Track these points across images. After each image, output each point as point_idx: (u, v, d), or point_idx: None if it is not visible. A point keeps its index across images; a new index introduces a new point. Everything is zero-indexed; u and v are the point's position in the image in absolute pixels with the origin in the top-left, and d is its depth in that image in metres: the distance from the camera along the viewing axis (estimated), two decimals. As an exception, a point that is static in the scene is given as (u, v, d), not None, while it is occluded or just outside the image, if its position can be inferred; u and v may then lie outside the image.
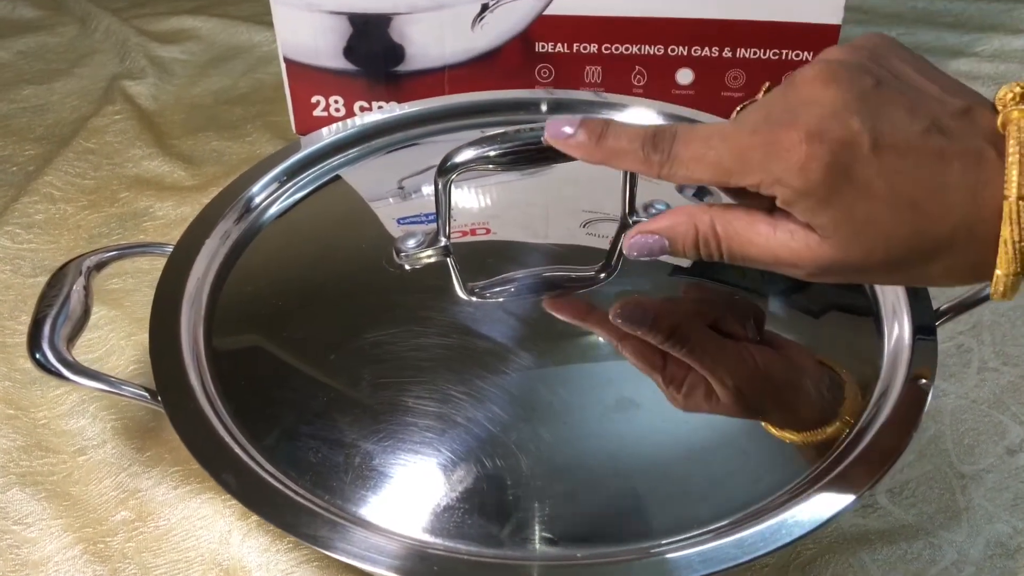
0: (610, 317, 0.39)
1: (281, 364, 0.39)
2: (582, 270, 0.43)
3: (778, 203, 0.32)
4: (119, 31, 0.83)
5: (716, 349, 0.37)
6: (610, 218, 0.47)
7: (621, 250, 0.44)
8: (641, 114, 0.55)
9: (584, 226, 0.48)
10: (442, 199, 0.41)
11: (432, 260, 0.43)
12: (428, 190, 0.50)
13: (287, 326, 0.41)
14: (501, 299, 0.41)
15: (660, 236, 0.35)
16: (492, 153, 0.39)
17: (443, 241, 0.42)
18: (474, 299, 0.41)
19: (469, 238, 0.46)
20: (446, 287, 0.41)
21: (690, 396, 0.37)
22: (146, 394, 0.38)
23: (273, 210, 0.51)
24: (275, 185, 0.54)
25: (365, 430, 0.36)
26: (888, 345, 0.41)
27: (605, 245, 0.45)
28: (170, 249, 0.45)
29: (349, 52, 0.66)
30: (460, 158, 0.40)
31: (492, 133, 0.40)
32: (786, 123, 0.32)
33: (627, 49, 0.65)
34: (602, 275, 0.43)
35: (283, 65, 0.67)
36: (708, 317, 0.39)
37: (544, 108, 0.57)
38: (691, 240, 0.35)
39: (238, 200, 0.50)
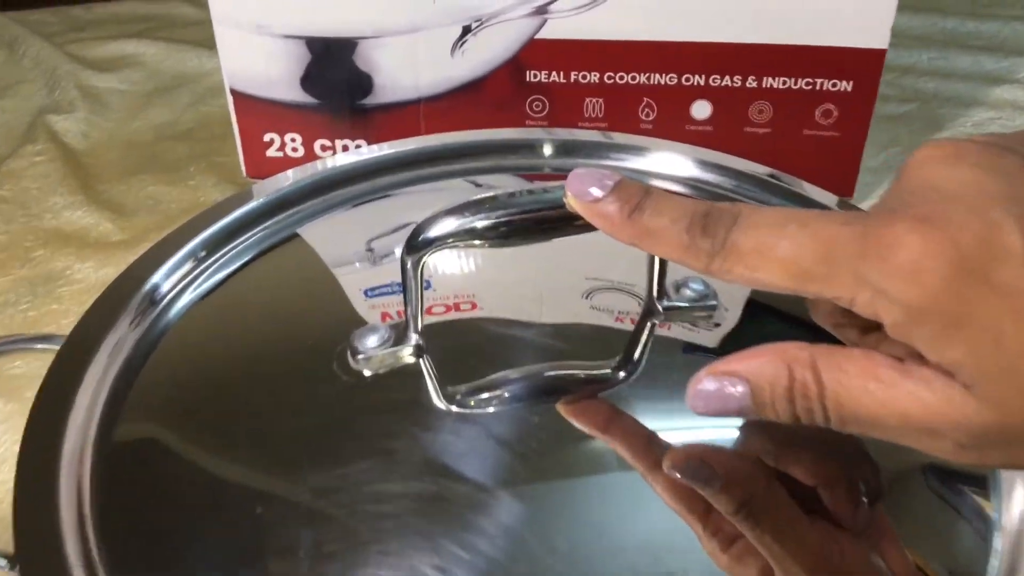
0: (664, 469, 0.29)
1: (191, 523, 0.29)
2: (595, 367, 0.33)
3: (887, 330, 0.22)
4: (50, 57, 0.73)
5: (796, 535, 0.27)
6: (624, 288, 0.37)
7: (642, 340, 0.34)
8: (669, 162, 0.46)
9: (588, 298, 0.38)
10: (412, 283, 0.31)
11: (399, 364, 0.32)
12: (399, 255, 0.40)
13: (204, 466, 0.31)
14: (490, 414, 0.31)
15: (740, 382, 0.25)
16: (480, 224, 0.29)
17: (413, 338, 0.32)
18: (455, 415, 0.31)
19: (449, 316, 0.36)
20: (418, 402, 0.31)
21: (741, 564, 0.27)
22: (2, 561, 0.28)
23: (205, 284, 0.40)
24: (210, 248, 0.44)
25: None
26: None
27: (620, 325, 0.35)
28: (60, 343, 0.35)
29: (307, 82, 0.56)
30: (435, 231, 0.30)
31: (480, 196, 0.30)
32: (892, 211, 0.22)
33: (634, 78, 0.55)
34: (621, 374, 0.33)
35: (230, 98, 0.57)
36: (796, 480, 0.28)
37: (548, 151, 0.47)
38: (782, 391, 0.25)
39: (159, 270, 0.39)
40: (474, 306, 0.39)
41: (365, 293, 0.40)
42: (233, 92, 0.57)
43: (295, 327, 0.38)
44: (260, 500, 0.29)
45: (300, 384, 0.33)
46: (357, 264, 0.43)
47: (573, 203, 0.28)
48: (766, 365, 0.26)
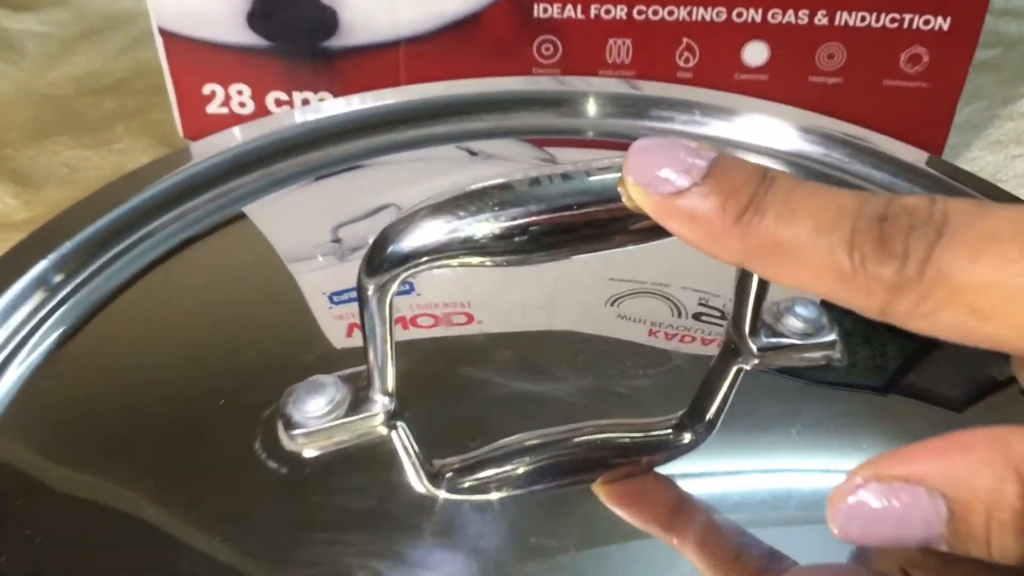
0: None
1: None
2: (645, 428, 0.22)
3: None
4: (-45, -6, 0.60)
5: None
6: (661, 292, 0.26)
7: (721, 393, 0.23)
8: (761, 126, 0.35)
9: (615, 304, 0.27)
10: (376, 321, 0.20)
11: (358, 442, 0.21)
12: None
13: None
14: (498, 517, 0.20)
15: (932, 493, 0.15)
16: (483, 232, 0.18)
17: (379, 402, 0.21)
18: (443, 523, 0.20)
19: (433, 335, 0.25)
20: (387, 511, 0.20)
21: None
22: None
23: (111, 282, 0.29)
24: (120, 231, 0.33)
25: None
26: None
27: (661, 342, 0.24)
28: None
29: (256, 19, 0.44)
30: (412, 243, 0.19)
31: (482, 185, 0.19)
32: None
33: (671, 13, 0.43)
34: (687, 436, 0.22)
35: (159, 40, 0.45)
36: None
37: (593, 109, 0.36)
38: (1008, 514, 0.14)
39: (41, 262, 0.28)
40: (469, 319, 0.28)
41: (330, 299, 0.29)
42: (163, 33, 0.45)
43: (223, 359, 0.26)
44: None
45: (203, 475, 0.22)
46: (320, 258, 0.32)
47: (638, 196, 0.18)
48: (977, 468, 0.15)
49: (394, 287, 0.20)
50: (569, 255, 0.19)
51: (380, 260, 0.19)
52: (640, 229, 0.18)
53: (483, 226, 0.19)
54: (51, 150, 0.49)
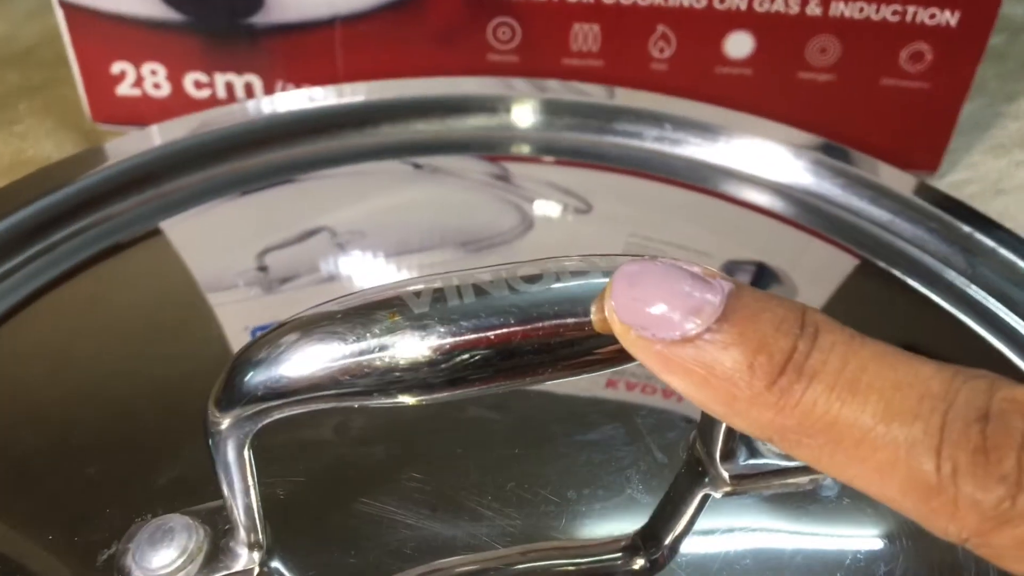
0: None
1: None
2: (600, 552, 0.18)
3: None
4: None
5: None
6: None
7: (682, 523, 0.19)
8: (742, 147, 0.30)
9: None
10: (234, 474, 0.15)
11: None
12: (305, 279, 0.25)
13: None
14: None
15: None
16: (375, 373, 0.13)
17: (243, 555, 0.16)
18: None
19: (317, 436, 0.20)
20: None
21: None
22: None
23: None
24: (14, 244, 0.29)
25: None
26: None
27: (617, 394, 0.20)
28: None
29: (170, -9, 0.39)
30: (277, 382, 0.14)
31: (381, 295, 0.14)
32: None
33: (645, -3, 0.38)
34: (638, 564, 0.18)
35: (60, 13, 0.39)
36: None
37: (529, 116, 0.32)
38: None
39: None
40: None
41: (252, 333, 0.25)
42: (64, 5, 0.39)
43: (118, 427, 0.21)
44: None
45: None
46: (241, 285, 0.27)
47: (629, 341, 0.13)
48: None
49: (254, 428, 0.15)
50: (507, 388, 0.15)
51: (237, 391, 0.15)
52: (614, 353, 0.14)
53: (379, 361, 0.14)
54: (-60, 131, 0.44)
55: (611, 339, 0.15)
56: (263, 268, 0.29)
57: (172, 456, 0.20)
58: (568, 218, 0.31)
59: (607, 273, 0.15)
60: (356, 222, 0.30)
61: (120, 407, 0.23)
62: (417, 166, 0.32)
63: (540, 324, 0.15)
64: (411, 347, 0.14)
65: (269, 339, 0.14)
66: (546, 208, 0.31)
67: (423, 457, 0.20)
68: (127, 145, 0.34)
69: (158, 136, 0.34)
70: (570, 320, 0.15)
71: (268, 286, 0.28)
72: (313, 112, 0.33)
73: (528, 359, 0.15)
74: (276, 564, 0.17)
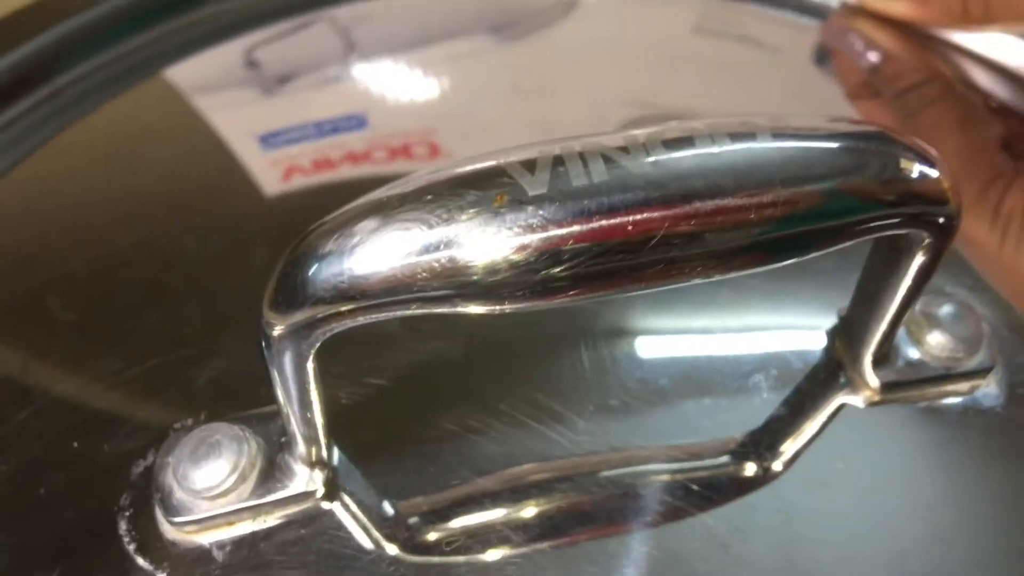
0: None
1: None
2: (698, 455, 0.15)
3: None
4: None
5: None
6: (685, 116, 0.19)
7: (821, 437, 0.16)
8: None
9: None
10: (292, 387, 0.12)
11: (279, 529, 0.14)
12: (309, 78, 0.22)
13: None
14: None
15: None
16: (447, 277, 0.10)
17: (302, 474, 0.13)
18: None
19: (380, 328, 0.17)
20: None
21: None
22: None
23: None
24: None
25: None
26: None
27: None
28: None
29: None
30: (356, 268, 0.10)
31: (485, 163, 0.10)
32: None
33: None
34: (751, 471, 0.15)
35: None
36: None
37: None
38: None
39: None
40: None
41: (260, 141, 0.21)
42: None
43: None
44: None
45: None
46: (239, 90, 0.24)
47: None
48: None
49: (319, 339, 0.12)
50: (648, 289, 0.11)
51: (299, 291, 0.11)
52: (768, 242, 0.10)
53: (488, 243, 0.10)
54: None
55: (776, 224, 0.11)
56: (252, 61, 0.25)
57: (211, 343, 0.17)
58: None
59: (777, 134, 0.12)
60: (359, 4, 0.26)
61: (126, 270, 0.19)
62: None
63: (693, 206, 0.11)
64: (521, 240, 0.11)
65: (338, 224, 0.11)
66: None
67: (510, 357, 0.17)
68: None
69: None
70: (736, 201, 0.11)
71: (265, 85, 0.24)
72: None
73: (675, 252, 0.11)
74: (344, 486, 0.14)
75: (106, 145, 0.24)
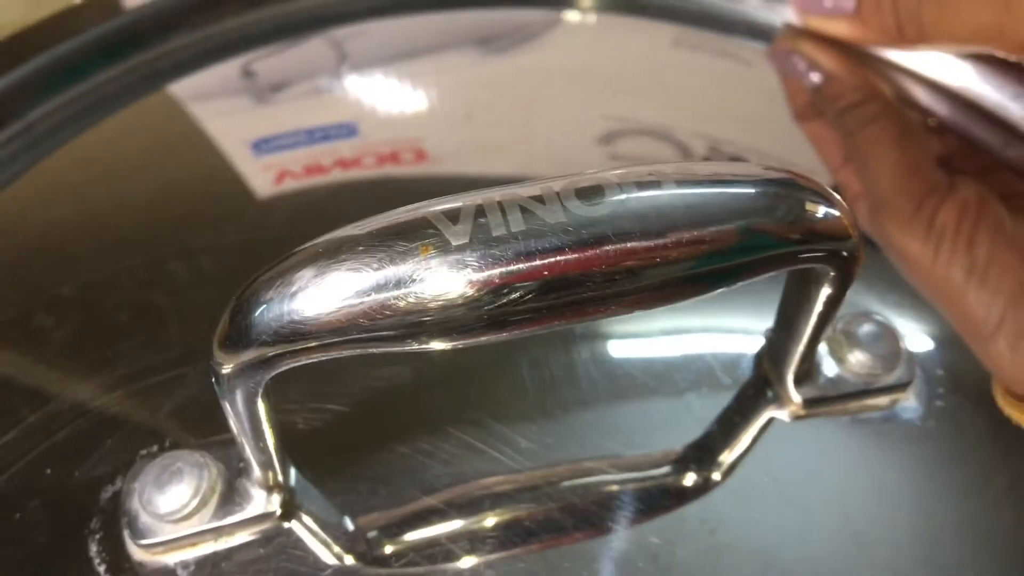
0: None
1: None
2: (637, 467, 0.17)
3: None
4: None
5: None
6: (659, 133, 0.20)
7: (749, 450, 0.17)
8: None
9: (607, 144, 0.21)
10: (245, 422, 0.13)
11: (236, 551, 0.15)
12: (302, 87, 0.23)
13: None
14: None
15: None
16: (378, 319, 0.11)
17: (258, 497, 0.14)
18: None
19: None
20: None
21: None
22: None
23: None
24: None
25: None
26: None
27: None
28: None
29: None
30: (300, 311, 0.11)
31: (425, 210, 0.11)
32: None
33: None
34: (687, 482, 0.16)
35: None
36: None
37: None
38: None
39: None
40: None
41: (253, 147, 0.22)
42: None
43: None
44: None
45: None
46: (235, 98, 0.25)
47: None
48: None
49: (266, 377, 0.13)
50: (562, 326, 0.13)
51: (243, 334, 0.12)
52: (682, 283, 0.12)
53: (415, 289, 0.12)
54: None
55: (685, 265, 0.12)
56: (249, 73, 0.26)
57: (179, 369, 0.18)
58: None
59: (680, 183, 0.13)
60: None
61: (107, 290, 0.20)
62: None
63: (602, 250, 0.12)
64: (448, 283, 0.12)
65: (279, 272, 0.12)
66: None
67: (459, 382, 0.18)
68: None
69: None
70: (642, 244, 0.12)
71: (259, 94, 0.25)
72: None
73: (588, 294, 0.12)
74: (300, 506, 0.15)
75: (104, 149, 0.25)
